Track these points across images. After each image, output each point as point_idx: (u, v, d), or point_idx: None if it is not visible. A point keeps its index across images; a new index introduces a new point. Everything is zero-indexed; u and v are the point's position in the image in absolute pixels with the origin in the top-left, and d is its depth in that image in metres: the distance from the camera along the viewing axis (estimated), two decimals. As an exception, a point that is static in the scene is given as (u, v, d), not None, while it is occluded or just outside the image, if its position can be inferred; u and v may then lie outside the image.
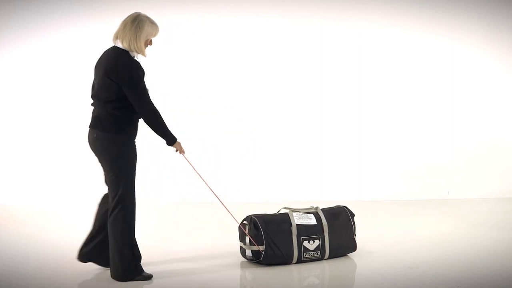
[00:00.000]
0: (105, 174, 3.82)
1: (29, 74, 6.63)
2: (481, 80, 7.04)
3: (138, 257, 3.82)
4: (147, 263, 4.19)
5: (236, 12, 6.81)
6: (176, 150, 3.93)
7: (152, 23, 3.75)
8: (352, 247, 4.35)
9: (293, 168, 6.92)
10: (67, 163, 6.53)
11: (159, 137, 3.84)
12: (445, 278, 3.90)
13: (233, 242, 4.41)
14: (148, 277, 3.81)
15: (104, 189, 3.92)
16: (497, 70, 7.05)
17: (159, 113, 3.74)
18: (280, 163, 6.92)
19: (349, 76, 6.95)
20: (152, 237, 5.09)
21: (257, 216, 4.16)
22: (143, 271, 3.82)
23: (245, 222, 4.20)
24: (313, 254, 4.17)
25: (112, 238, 3.73)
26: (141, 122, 3.82)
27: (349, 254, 4.37)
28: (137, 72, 3.64)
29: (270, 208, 4.63)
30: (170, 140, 3.83)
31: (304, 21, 6.86)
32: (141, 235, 5.11)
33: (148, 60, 6.61)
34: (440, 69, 7.01)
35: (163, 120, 3.76)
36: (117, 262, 3.72)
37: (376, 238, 4.91)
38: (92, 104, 3.78)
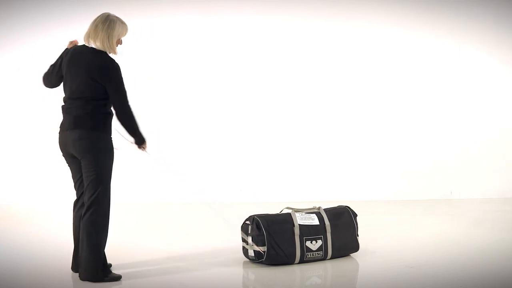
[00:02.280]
0: (74, 176, 3.83)
1: (29, 74, 6.62)
2: (484, 80, 7.03)
3: (105, 258, 3.79)
4: (149, 262, 4.19)
5: (236, 12, 6.80)
6: (139, 148, 3.88)
7: (122, 23, 3.78)
8: (355, 247, 4.34)
9: (295, 168, 6.91)
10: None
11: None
12: (447, 278, 3.89)
13: (236, 242, 4.39)
14: (117, 277, 3.77)
15: (74, 195, 3.91)
16: (499, 71, 7.04)
17: (133, 114, 3.75)
18: (282, 162, 6.91)
19: (351, 76, 6.94)
20: (154, 237, 5.09)
21: (260, 216, 4.14)
22: (110, 272, 3.79)
23: (247, 222, 4.19)
24: (316, 254, 4.15)
25: (83, 237, 3.71)
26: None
27: (351, 254, 4.35)
28: (121, 74, 3.72)
29: (273, 208, 4.62)
30: (140, 140, 3.82)
31: (304, 21, 6.86)
32: (142, 235, 5.13)
33: (149, 61, 6.66)
34: (443, 69, 7.00)
35: (136, 121, 3.77)
36: (87, 262, 3.69)
37: (379, 238, 4.90)
38: (67, 105, 3.76)
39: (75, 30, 6.37)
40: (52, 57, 6.70)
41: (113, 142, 3.79)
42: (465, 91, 7.02)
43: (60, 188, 6.52)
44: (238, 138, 6.88)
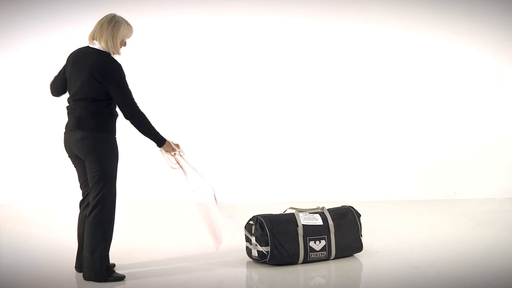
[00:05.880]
0: (80, 176, 3.83)
1: (30, 74, 6.61)
2: (486, 80, 7.01)
3: (108, 258, 3.78)
4: (152, 262, 4.17)
5: (239, 12, 6.79)
6: (171, 152, 3.89)
7: (128, 24, 3.79)
8: (358, 247, 4.33)
9: (299, 168, 6.89)
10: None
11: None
12: (450, 278, 3.89)
13: (239, 242, 4.38)
14: (121, 277, 3.78)
15: (79, 195, 3.90)
16: (502, 71, 7.02)
17: (144, 114, 3.74)
18: (286, 163, 6.89)
19: (353, 76, 6.93)
20: (156, 237, 5.07)
21: (263, 216, 4.13)
22: (114, 271, 3.79)
23: (251, 222, 4.18)
24: (319, 255, 4.14)
25: (88, 238, 3.70)
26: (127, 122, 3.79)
27: (355, 254, 4.35)
28: (124, 75, 3.70)
29: (276, 208, 4.63)
30: (159, 141, 3.82)
31: (308, 22, 6.85)
32: (144, 235, 5.11)
33: (150, 61, 6.65)
34: (445, 69, 6.98)
35: (150, 122, 3.76)
36: (91, 262, 3.69)
37: (382, 238, 4.89)
38: (71, 105, 3.75)
39: (76, 30, 6.41)
40: (52, 57, 6.71)
41: (117, 142, 3.77)
42: (467, 91, 7.01)
43: (61, 188, 6.51)
44: (241, 138, 6.86)
